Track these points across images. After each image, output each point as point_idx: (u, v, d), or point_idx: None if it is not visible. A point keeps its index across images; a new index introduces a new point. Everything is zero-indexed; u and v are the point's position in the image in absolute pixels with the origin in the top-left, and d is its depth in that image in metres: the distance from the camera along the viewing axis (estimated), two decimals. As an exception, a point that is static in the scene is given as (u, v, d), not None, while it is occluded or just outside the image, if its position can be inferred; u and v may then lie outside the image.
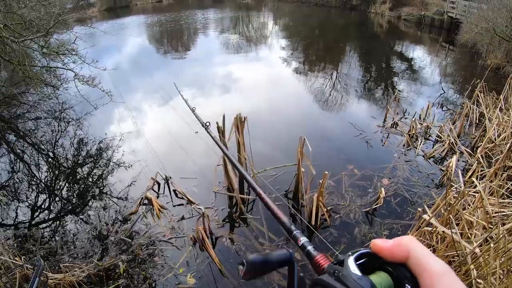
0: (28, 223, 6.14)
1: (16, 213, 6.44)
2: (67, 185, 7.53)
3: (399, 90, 11.81)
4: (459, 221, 4.34)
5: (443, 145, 7.66)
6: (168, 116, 10.23)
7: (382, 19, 28.90)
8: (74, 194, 7.14)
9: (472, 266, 3.38)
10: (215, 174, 6.33)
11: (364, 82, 13.81)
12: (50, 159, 8.69)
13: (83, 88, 10.05)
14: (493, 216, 4.43)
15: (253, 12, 38.64)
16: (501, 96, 8.57)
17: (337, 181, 6.55)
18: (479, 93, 8.91)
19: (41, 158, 8.72)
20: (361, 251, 0.55)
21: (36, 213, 6.48)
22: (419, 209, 5.31)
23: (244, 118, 5.50)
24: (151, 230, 5.53)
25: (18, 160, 8.65)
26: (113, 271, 4.76)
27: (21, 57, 8.98)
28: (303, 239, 0.82)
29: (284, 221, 0.95)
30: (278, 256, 0.72)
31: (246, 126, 5.62)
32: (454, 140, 7.72)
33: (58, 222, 6.13)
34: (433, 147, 7.82)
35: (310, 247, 0.77)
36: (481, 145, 7.07)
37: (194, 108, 2.87)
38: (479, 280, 3.30)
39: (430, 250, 4.24)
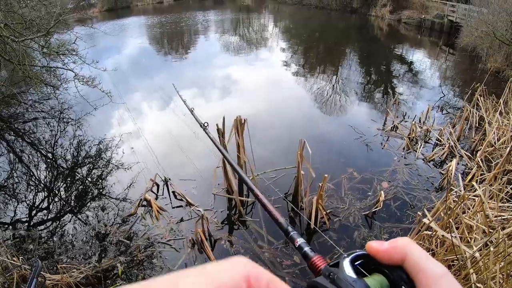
0: (26, 224, 6.12)
1: (15, 213, 6.43)
2: (65, 185, 7.52)
3: (399, 93, 11.80)
4: (458, 225, 4.34)
5: (443, 149, 7.66)
6: (168, 117, 10.24)
7: (383, 22, 28.96)
8: (73, 194, 7.12)
9: (471, 270, 3.37)
10: (214, 176, 6.32)
11: (364, 85, 13.82)
12: (49, 160, 8.68)
13: (83, 89, 10.05)
14: (493, 220, 4.41)
15: (253, 14, 38.71)
16: (501, 99, 8.57)
17: (337, 184, 6.54)
18: (479, 96, 8.90)
19: (40, 158, 8.70)
20: (357, 253, 0.53)
21: (35, 214, 6.46)
22: (418, 212, 5.31)
23: (244, 120, 5.49)
24: (150, 232, 5.51)
25: (17, 160, 8.64)
26: (111, 272, 4.74)
27: (21, 56, 8.98)
28: (300, 240, 0.80)
29: (281, 222, 0.94)
30: None
31: (246, 128, 5.61)
32: (454, 143, 7.72)
33: (56, 223, 6.11)
34: (433, 150, 7.82)
35: (307, 248, 0.76)
36: (481, 148, 7.07)
37: (192, 109, 2.86)
38: (478, 285, 3.29)
39: (430, 254, 4.23)
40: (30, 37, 9.47)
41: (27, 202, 6.83)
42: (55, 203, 6.79)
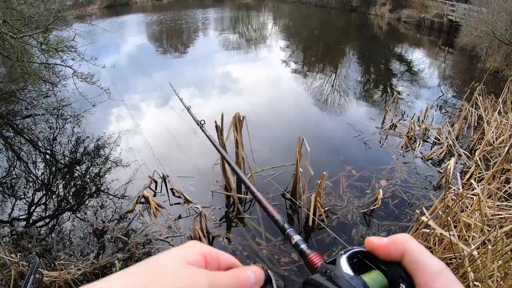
0: (24, 221, 6.11)
1: (12, 210, 6.42)
2: (64, 182, 7.50)
3: (398, 92, 11.81)
4: (457, 223, 4.34)
5: (442, 147, 7.67)
6: (166, 114, 10.24)
7: (382, 21, 28.97)
8: (71, 191, 7.11)
9: (469, 269, 3.38)
10: (212, 173, 6.32)
11: (363, 83, 13.82)
12: (47, 156, 8.67)
13: (81, 85, 10.01)
14: (491, 219, 4.42)
15: (253, 12, 38.70)
16: (499, 99, 8.58)
17: (335, 181, 6.54)
18: (478, 96, 8.91)
19: (39, 155, 8.69)
20: (354, 250, 0.53)
21: (33, 211, 6.45)
22: (417, 211, 5.31)
23: (243, 117, 5.48)
24: (148, 229, 5.51)
25: (15, 157, 8.63)
26: (109, 269, 4.74)
27: (19, 53, 8.94)
28: (296, 238, 0.79)
29: (277, 219, 0.92)
30: None
31: (245, 125, 5.60)
32: (453, 142, 7.72)
33: (54, 220, 6.10)
34: (431, 149, 7.81)
35: (303, 246, 0.74)
36: (479, 147, 7.08)
37: (189, 107, 2.86)
38: (476, 283, 3.30)
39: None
40: (28, 34, 9.43)
41: (25, 199, 6.81)
42: (53, 200, 6.79)
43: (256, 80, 13.86)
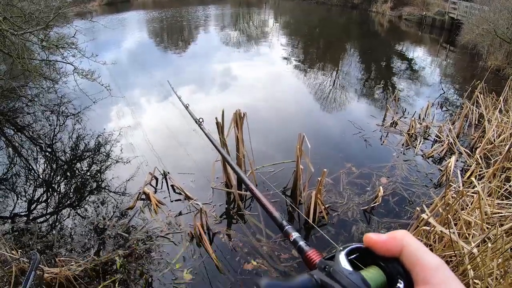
0: (25, 217, 6.12)
1: (14, 206, 6.42)
2: (64, 179, 7.51)
3: (399, 90, 11.82)
4: (457, 221, 4.34)
5: (442, 145, 7.67)
6: (167, 111, 10.25)
7: (383, 18, 28.95)
8: (72, 188, 7.11)
9: (469, 266, 3.38)
10: (213, 169, 6.32)
11: (364, 80, 13.82)
12: (48, 153, 8.67)
13: (82, 82, 9.98)
14: (491, 217, 4.42)
15: (253, 9, 38.63)
16: (500, 97, 8.57)
17: (335, 179, 6.55)
18: (479, 94, 8.90)
19: (39, 152, 8.69)
20: (353, 246, 0.54)
21: (34, 207, 6.45)
22: (417, 208, 5.32)
23: (244, 114, 5.48)
24: (149, 225, 5.51)
25: (15, 154, 8.63)
26: (109, 266, 4.74)
27: (20, 50, 8.93)
28: (294, 234, 0.83)
29: (276, 216, 0.95)
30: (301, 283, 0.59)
31: (245, 122, 5.59)
32: (453, 140, 7.73)
33: (55, 216, 6.11)
34: (432, 147, 7.82)
35: (301, 242, 0.77)
36: (480, 146, 7.08)
37: (187, 105, 2.86)
38: (476, 281, 3.30)
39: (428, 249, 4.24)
40: (29, 31, 9.41)
41: (26, 195, 6.81)
42: (54, 197, 6.79)
43: (257, 77, 13.85)
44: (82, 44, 10.31)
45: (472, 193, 4.96)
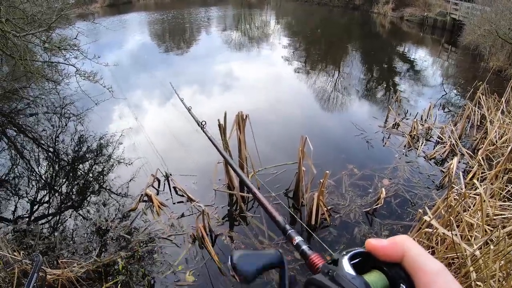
0: (27, 218, 6.13)
1: (16, 207, 6.44)
2: (67, 180, 7.52)
3: (400, 91, 11.80)
4: (459, 223, 4.33)
5: (444, 147, 7.66)
6: (169, 112, 10.25)
7: (385, 20, 28.95)
8: (74, 189, 7.13)
9: (471, 269, 3.37)
10: (215, 171, 6.31)
11: (366, 82, 13.81)
12: (50, 154, 8.69)
13: (84, 84, 10.03)
14: (494, 219, 4.42)
15: (255, 10, 38.66)
16: (502, 98, 8.55)
17: (338, 180, 6.54)
18: (481, 95, 8.88)
19: (41, 153, 8.71)
20: (356, 251, 0.55)
21: (36, 209, 6.47)
22: (419, 210, 5.30)
23: (246, 115, 5.48)
24: (151, 227, 5.52)
25: (18, 155, 8.65)
26: (112, 267, 4.75)
27: (22, 52, 8.96)
28: (298, 238, 0.83)
29: (279, 220, 0.96)
30: (269, 256, 0.73)
31: (248, 123, 5.59)
32: (455, 141, 7.72)
33: (57, 218, 6.12)
34: (434, 148, 7.81)
35: (304, 246, 0.78)
36: (482, 147, 7.07)
37: (190, 108, 2.87)
38: (478, 283, 3.29)
39: (430, 251, 4.25)
40: (31, 32, 9.44)
41: (28, 197, 6.83)
42: (56, 198, 6.80)
43: (258, 78, 13.85)
44: (84, 46, 10.35)
45: (474, 194, 4.95)
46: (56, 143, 9.09)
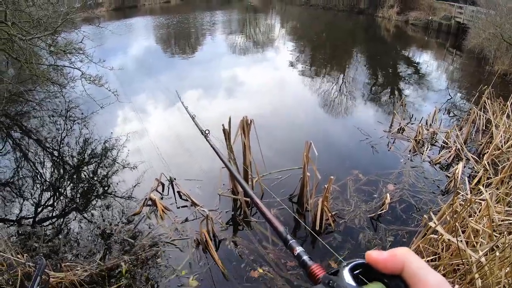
0: (31, 220, 6.16)
1: (20, 210, 6.47)
2: (71, 183, 7.55)
3: (405, 95, 11.78)
4: (465, 228, 4.31)
5: (450, 151, 7.63)
6: (174, 117, 10.26)
7: (390, 24, 28.93)
8: (78, 192, 7.15)
9: (477, 275, 3.35)
10: (220, 176, 6.31)
11: (371, 86, 13.79)
12: (54, 157, 8.72)
13: (89, 87, 10.07)
14: (499, 225, 4.38)
15: (260, 14, 38.82)
16: (508, 102, 8.51)
17: (342, 186, 6.52)
18: (486, 99, 8.84)
19: (46, 156, 8.75)
20: (357, 262, 0.54)
21: (40, 211, 6.50)
22: (424, 215, 5.28)
23: (251, 120, 5.47)
24: (155, 231, 5.52)
25: (22, 158, 8.69)
26: (115, 271, 4.75)
27: (28, 55, 9.02)
28: (298, 249, 0.82)
29: (280, 231, 0.95)
30: None
31: (252, 128, 5.58)
32: (461, 146, 7.68)
33: (61, 221, 6.14)
34: (439, 153, 7.78)
35: (305, 257, 0.77)
36: (487, 151, 7.03)
37: (194, 116, 2.87)
38: (484, 290, 3.27)
39: (435, 258, 4.23)
40: (37, 36, 9.51)
41: (33, 199, 6.87)
42: (60, 201, 6.83)
43: (263, 83, 13.89)
44: (90, 50, 10.40)
45: (480, 200, 4.91)
46: (61, 146, 9.13)
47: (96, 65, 10.16)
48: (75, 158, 8.51)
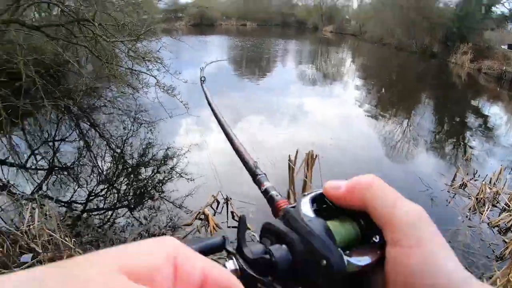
0: (82, 208, 6.52)
1: (72, 195, 6.87)
2: (126, 180, 7.87)
3: (471, 147, 11.39)
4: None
5: (511, 215, 7.30)
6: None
7: (462, 70, 28.15)
8: (131, 190, 7.44)
9: None
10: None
11: (436, 134, 13.43)
12: (115, 153, 9.18)
13: (161, 96, 10.49)
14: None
15: (332, 47, 38.97)
16: None
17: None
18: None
19: (107, 151, 9.25)
20: (318, 192, 0.48)
21: (91, 199, 6.87)
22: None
23: (316, 155, 5.52)
24: (202, 246, 5.60)
25: (85, 148, 9.24)
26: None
27: (110, 56, 9.60)
28: (266, 184, 0.76)
29: (248, 161, 0.91)
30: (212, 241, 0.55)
31: (317, 163, 5.62)
32: (524, 211, 7.35)
33: (110, 214, 6.44)
34: (499, 215, 7.45)
35: (273, 192, 0.71)
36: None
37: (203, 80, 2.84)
38: None
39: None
40: (121, 40, 10.09)
41: (87, 188, 7.25)
42: (112, 195, 7.17)
43: (328, 116, 13.89)
44: (168, 61, 10.84)
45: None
46: (124, 144, 9.56)
47: (171, 76, 10.58)
48: (134, 158, 8.86)
